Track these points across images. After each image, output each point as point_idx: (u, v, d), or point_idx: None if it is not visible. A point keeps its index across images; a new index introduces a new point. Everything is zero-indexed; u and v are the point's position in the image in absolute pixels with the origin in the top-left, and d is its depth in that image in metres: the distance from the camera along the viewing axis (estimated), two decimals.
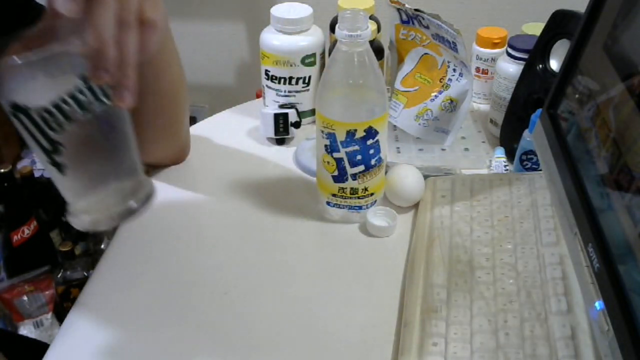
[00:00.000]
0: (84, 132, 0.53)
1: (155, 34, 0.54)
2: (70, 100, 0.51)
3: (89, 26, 0.49)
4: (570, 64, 0.63)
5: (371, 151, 0.72)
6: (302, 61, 0.89)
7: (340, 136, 0.71)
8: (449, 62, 0.85)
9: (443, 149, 0.87)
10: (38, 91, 0.50)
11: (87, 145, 0.54)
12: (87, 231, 0.57)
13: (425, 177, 0.79)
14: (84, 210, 0.56)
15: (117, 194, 0.56)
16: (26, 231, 1.38)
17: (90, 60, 0.49)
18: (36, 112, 0.50)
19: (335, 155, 0.72)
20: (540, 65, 0.82)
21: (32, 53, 0.49)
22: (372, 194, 0.75)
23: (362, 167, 0.73)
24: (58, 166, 0.53)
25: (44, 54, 0.49)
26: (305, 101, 0.92)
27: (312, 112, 0.91)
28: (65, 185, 0.55)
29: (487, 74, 0.95)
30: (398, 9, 0.87)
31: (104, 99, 0.52)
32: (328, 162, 0.73)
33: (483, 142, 0.90)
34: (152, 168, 0.86)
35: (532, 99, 0.82)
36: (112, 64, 0.50)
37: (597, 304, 0.50)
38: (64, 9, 0.48)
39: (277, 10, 0.89)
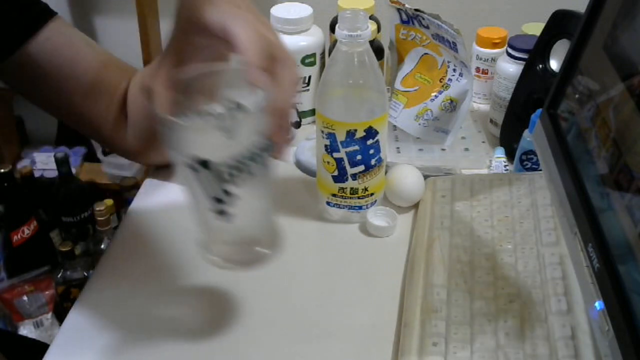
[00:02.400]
0: (253, 183, 0.53)
1: None
2: (251, 154, 0.51)
3: (274, 86, 0.51)
4: (570, 64, 0.63)
5: (371, 151, 0.72)
6: (302, 61, 0.89)
7: (340, 136, 0.71)
8: (449, 62, 0.85)
9: (443, 149, 0.87)
10: (221, 146, 0.50)
11: (253, 195, 0.55)
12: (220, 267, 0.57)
13: (425, 177, 0.79)
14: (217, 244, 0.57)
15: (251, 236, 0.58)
16: (26, 231, 1.38)
17: (274, 119, 0.51)
18: (219, 166, 0.50)
19: (335, 155, 0.72)
20: (540, 65, 0.82)
21: (216, 112, 0.52)
22: (372, 194, 0.75)
23: (362, 167, 0.73)
24: (225, 215, 0.53)
25: (229, 112, 0.51)
26: (305, 101, 0.92)
27: (312, 112, 0.91)
28: (219, 227, 0.55)
29: (487, 74, 0.95)
30: (398, 9, 0.87)
31: (266, 153, 0.53)
32: (328, 162, 0.73)
33: (483, 142, 0.90)
34: (152, 168, 0.86)
35: (532, 99, 0.82)
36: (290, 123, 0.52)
37: (597, 304, 0.50)
38: (260, 83, 0.50)
39: (277, 10, 0.89)
